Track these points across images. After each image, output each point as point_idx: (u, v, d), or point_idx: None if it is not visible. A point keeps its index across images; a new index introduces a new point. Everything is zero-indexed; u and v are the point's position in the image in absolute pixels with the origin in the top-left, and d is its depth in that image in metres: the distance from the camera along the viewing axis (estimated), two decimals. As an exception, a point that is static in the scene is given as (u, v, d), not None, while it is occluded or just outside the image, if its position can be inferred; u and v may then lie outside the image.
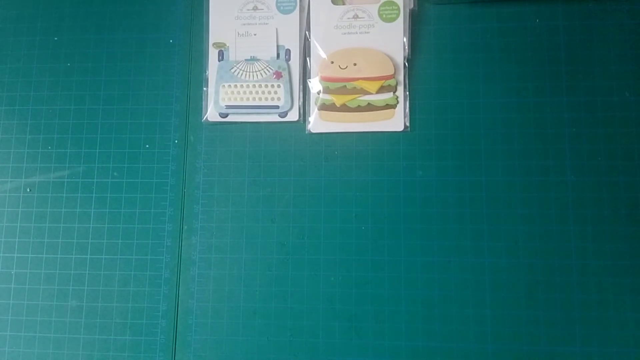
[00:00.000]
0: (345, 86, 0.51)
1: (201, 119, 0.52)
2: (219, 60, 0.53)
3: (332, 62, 0.51)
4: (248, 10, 0.53)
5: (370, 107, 0.51)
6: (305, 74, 0.52)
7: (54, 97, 0.54)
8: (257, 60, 0.52)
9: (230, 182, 0.51)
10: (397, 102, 0.50)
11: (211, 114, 0.52)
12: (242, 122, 0.52)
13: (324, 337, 0.48)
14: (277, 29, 0.52)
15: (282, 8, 0.52)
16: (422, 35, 0.52)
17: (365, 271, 0.48)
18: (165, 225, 0.51)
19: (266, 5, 0.53)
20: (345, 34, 0.52)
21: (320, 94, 0.51)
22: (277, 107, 0.51)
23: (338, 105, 0.51)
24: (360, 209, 0.49)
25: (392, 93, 0.50)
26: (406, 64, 0.51)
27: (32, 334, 0.50)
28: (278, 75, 0.52)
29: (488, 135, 0.50)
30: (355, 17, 0.52)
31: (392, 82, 0.50)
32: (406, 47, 0.51)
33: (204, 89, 0.52)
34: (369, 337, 0.47)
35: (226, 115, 0.52)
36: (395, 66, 0.50)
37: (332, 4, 0.52)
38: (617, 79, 0.49)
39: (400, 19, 0.51)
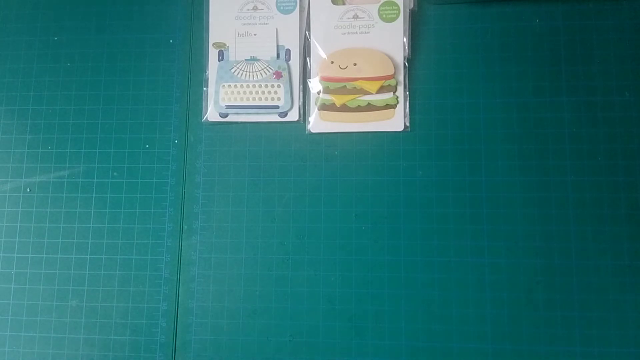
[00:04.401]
0: (345, 86, 0.51)
1: (201, 119, 0.52)
2: (219, 60, 0.53)
3: (332, 62, 0.51)
4: (248, 10, 0.53)
5: (370, 107, 0.51)
6: (305, 74, 0.52)
7: (54, 97, 0.54)
8: (257, 60, 0.52)
9: (230, 182, 0.51)
10: (397, 102, 0.50)
11: (211, 114, 0.52)
12: (242, 122, 0.52)
13: (324, 337, 0.48)
14: (277, 29, 0.52)
15: (282, 8, 0.52)
16: (422, 35, 0.52)
17: (365, 271, 0.48)
18: (165, 225, 0.51)
19: (266, 5, 0.53)
20: (345, 34, 0.52)
21: (320, 94, 0.51)
22: (277, 107, 0.51)
23: (338, 105, 0.51)
24: (360, 209, 0.49)
25: (392, 93, 0.50)
26: (406, 64, 0.51)
27: (32, 334, 0.50)
28: (278, 75, 0.52)
29: (488, 135, 0.50)
30: (355, 17, 0.52)
31: (392, 82, 0.50)
32: (406, 47, 0.51)
33: (204, 89, 0.52)
34: (369, 337, 0.47)
35: (226, 115, 0.52)
36: (395, 66, 0.50)
37: (332, 4, 0.52)
38: (617, 79, 0.49)
39: (400, 19, 0.51)
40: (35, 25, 0.55)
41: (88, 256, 0.51)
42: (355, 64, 0.51)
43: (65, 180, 0.52)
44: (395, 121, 0.50)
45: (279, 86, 0.51)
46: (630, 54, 0.50)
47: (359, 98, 0.51)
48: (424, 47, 0.52)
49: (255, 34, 0.52)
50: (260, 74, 0.52)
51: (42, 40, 0.55)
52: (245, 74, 0.52)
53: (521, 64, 0.50)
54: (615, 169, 0.48)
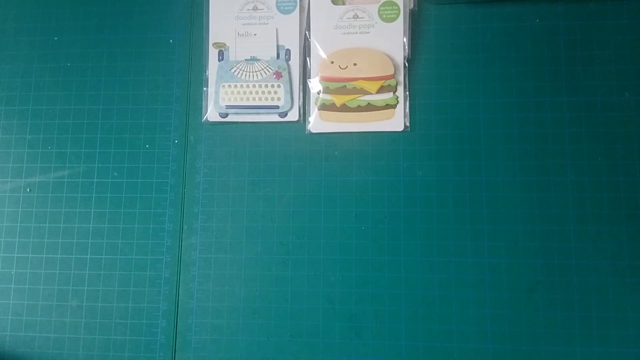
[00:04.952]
0: (345, 86, 0.51)
1: (201, 119, 0.52)
2: (219, 60, 0.53)
3: (332, 62, 0.51)
4: (248, 10, 0.53)
5: (370, 107, 0.51)
6: (305, 74, 0.52)
7: (54, 97, 0.54)
8: (257, 60, 0.52)
9: (230, 182, 0.51)
10: (397, 102, 0.50)
11: (211, 114, 0.52)
12: (242, 122, 0.52)
13: (324, 337, 0.48)
14: (277, 29, 0.52)
15: (282, 8, 0.52)
16: (422, 35, 0.52)
17: (365, 271, 0.48)
18: (165, 225, 0.51)
19: (266, 5, 0.53)
20: (345, 34, 0.52)
21: (320, 94, 0.51)
22: (277, 107, 0.51)
23: (338, 105, 0.51)
24: (360, 209, 0.49)
25: (392, 93, 0.50)
26: (406, 64, 0.51)
27: (32, 334, 0.50)
28: (278, 75, 0.52)
29: (488, 135, 0.50)
30: (355, 17, 0.52)
31: (392, 82, 0.50)
32: (406, 47, 0.51)
33: (204, 89, 0.52)
34: (369, 337, 0.47)
35: (226, 115, 0.52)
36: (395, 66, 0.50)
37: (332, 4, 0.52)
38: (617, 79, 0.49)
39: (400, 19, 0.51)
40: (35, 25, 0.55)
41: (88, 256, 0.51)
42: (355, 64, 0.51)
43: (65, 180, 0.52)
44: (395, 121, 0.50)
45: (279, 86, 0.51)
46: (630, 54, 0.50)
47: (359, 98, 0.51)
48: (424, 47, 0.52)
49: (255, 34, 0.52)
50: (260, 74, 0.52)
51: (42, 40, 0.55)
52: (245, 74, 0.52)
53: (521, 64, 0.50)
54: (615, 169, 0.48)
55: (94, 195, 0.52)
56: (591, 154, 0.49)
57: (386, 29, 0.51)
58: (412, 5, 0.52)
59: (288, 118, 0.51)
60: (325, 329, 0.48)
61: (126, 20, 0.55)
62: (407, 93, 0.51)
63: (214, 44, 0.53)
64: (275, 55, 0.52)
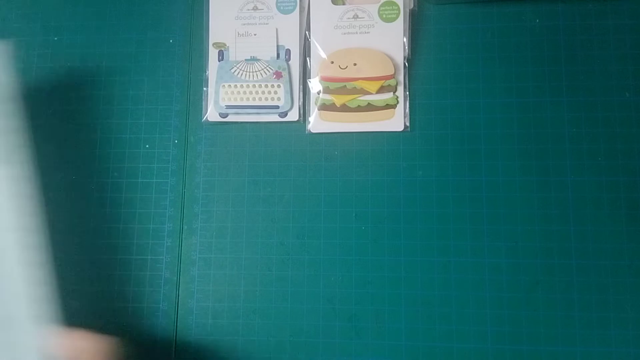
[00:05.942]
0: (345, 86, 0.51)
1: (201, 119, 0.52)
2: (219, 60, 0.53)
3: (332, 62, 0.51)
4: (248, 10, 0.53)
5: (370, 107, 0.51)
6: (305, 74, 0.52)
7: (54, 97, 0.54)
8: (257, 60, 0.52)
9: (230, 182, 0.51)
10: (397, 102, 0.50)
11: (211, 114, 0.52)
12: (242, 122, 0.52)
13: (324, 337, 0.48)
14: (277, 29, 0.52)
15: (282, 8, 0.52)
16: (422, 35, 0.52)
17: (365, 271, 0.48)
18: (165, 225, 0.51)
19: (266, 5, 0.53)
20: (345, 34, 0.52)
21: (320, 94, 0.51)
22: (277, 107, 0.51)
23: (338, 105, 0.51)
24: (360, 209, 0.49)
25: (392, 93, 0.50)
26: (406, 64, 0.51)
27: (32, 334, 0.50)
28: (278, 75, 0.52)
29: (488, 135, 0.50)
30: (355, 17, 0.52)
31: (392, 82, 0.50)
32: (406, 47, 0.51)
33: (204, 89, 0.52)
34: (369, 337, 0.47)
35: (226, 115, 0.52)
36: (395, 66, 0.50)
37: (332, 4, 0.52)
38: (617, 79, 0.49)
39: (400, 19, 0.51)
40: (35, 25, 0.55)
41: (88, 256, 0.51)
42: (355, 64, 0.51)
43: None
44: (395, 121, 0.50)
45: (279, 86, 0.51)
46: (630, 54, 0.50)
47: (359, 98, 0.51)
48: (424, 47, 0.52)
49: (255, 34, 0.52)
50: (260, 74, 0.52)
51: (42, 40, 0.55)
52: (245, 74, 0.52)
53: (521, 64, 0.50)
54: (615, 169, 0.48)
55: (94, 195, 0.52)
56: (591, 154, 0.49)
57: (386, 29, 0.51)
58: (412, 5, 0.52)
59: (288, 118, 0.51)
60: (325, 329, 0.48)
61: (126, 20, 0.55)
62: (407, 93, 0.51)
63: (214, 44, 0.53)
64: (275, 55, 0.52)
